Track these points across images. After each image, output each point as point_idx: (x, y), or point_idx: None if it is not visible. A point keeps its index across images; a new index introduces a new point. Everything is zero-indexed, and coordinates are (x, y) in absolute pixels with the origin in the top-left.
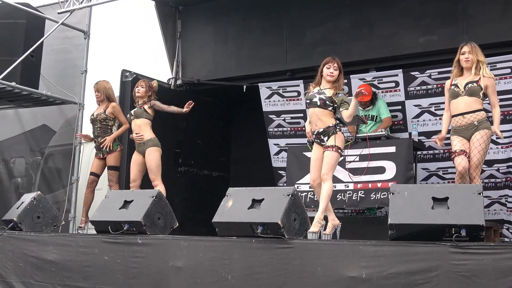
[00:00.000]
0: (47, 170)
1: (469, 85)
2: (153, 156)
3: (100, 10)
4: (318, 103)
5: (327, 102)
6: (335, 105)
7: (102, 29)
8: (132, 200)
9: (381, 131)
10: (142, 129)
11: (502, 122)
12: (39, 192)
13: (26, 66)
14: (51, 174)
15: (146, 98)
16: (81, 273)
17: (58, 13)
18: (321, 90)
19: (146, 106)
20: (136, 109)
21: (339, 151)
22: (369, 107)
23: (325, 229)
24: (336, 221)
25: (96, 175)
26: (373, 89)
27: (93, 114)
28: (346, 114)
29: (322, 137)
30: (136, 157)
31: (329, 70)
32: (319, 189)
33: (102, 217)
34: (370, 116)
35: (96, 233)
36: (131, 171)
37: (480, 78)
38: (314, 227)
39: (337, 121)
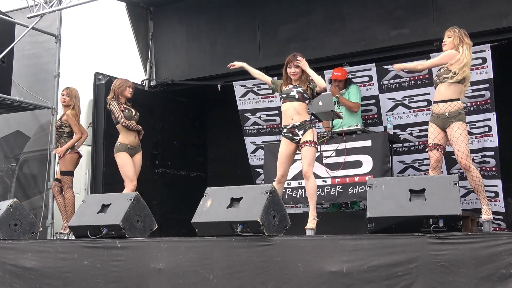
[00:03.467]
0: (22, 176)
1: (438, 71)
2: (141, 161)
3: (71, 13)
4: (296, 96)
5: (304, 95)
6: (309, 97)
7: (74, 33)
8: (110, 204)
9: (356, 126)
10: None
11: (475, 112)
12: (15, 199)
13: None
14: (26, 181)
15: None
16: (61, 279)
17: (28, 17)
18: (296, 85)
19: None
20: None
21: (316, 145)
22: (343, 90)
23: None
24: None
25: (59, 181)
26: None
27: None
28: (317, 83)
29: (297, 131)
30: (129, 157)
31: (291, 70)
32: (281, 187)
33: (80, 222)
34: None
35: (74, 238)
36: (131, 169)
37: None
38: (311, 224)
39: (311, 117)
